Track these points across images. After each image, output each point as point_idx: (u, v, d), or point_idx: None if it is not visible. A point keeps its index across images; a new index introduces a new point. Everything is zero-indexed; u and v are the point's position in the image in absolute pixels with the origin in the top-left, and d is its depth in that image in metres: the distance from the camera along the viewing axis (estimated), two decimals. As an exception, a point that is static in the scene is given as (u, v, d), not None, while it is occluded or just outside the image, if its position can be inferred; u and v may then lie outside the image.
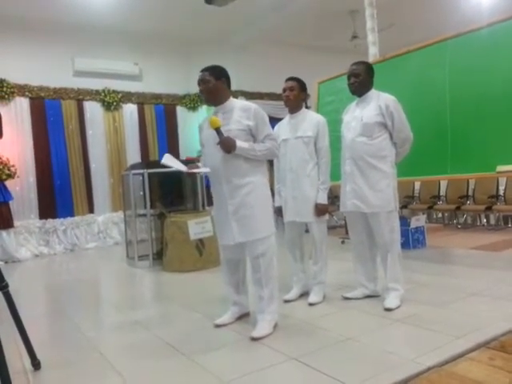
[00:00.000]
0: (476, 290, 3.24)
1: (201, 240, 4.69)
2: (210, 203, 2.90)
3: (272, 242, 2.69)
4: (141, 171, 5.28)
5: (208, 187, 3.56)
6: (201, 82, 2.67)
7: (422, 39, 4.75)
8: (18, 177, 6.43)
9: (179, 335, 2.76)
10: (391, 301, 2.96)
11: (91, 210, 7.42)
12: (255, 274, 2.68)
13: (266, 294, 2.65)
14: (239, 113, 2.66)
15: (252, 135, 2.65)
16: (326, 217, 3.28)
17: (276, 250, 2.72)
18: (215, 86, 2.66)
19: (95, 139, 7.49)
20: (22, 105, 6.86)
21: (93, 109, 7.47)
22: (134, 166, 5.69)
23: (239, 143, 2.55)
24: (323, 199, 3.17)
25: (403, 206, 7.01)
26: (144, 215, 5.37)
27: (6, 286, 2.19)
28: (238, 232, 2.64)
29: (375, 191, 3.00)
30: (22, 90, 6.84)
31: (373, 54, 6.06)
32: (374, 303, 3.08)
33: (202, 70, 2.70)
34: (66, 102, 7.21)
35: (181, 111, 8.31)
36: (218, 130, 2.55)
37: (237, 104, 2.73)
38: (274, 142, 2.70)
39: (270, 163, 3.18)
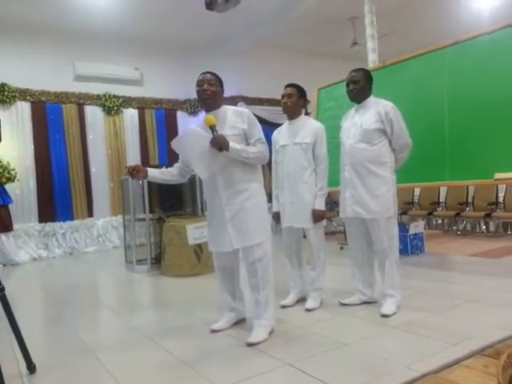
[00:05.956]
0: (473, 297, 3.23)
1: (199, 245, 4.68)
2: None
3: (268, 246, 2.69)
4: (140, 176, 5.28)
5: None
6: (206, 82, 2.66)
7: (421, 46, 4.78)
8: (18, 180, 6.46)
9: (175, 340, 2.76)
10: (388, 307, 2.96)
11: (91, 214, 7.44)
12: (252, 278, 2.68)
13: (262, 299, 2.65)
14: (233, 118, 2.68)
15: (246, 139, 2.67)
16: (324, 223, 3.28)
17: (273, 255, 2.72)
18: (218, 90, 2.70)
19: (96, 143, 7.53)
20: (23, 109, 6.90)
21: (93, 113, 7.51)
22: (133, 171, 5.69)
23: (232, 144, 2.56)
24: (321, 205, 3.18)
25: (403, 212, 6.99)
26: (143, 219, 5.38)
27: (2, 289, 2.20)
28: (235, 238, 2.64)
29: (375, 197, 3.00)
30: (24, 94, 6.88)
31: (372, 60, 6.09)
32: (370, 309, 3.08)
33: (206, 73, 2.72)
34: (66, 107, 7.25)
35: (181, 116, 8.35)
36: (212, 128, 2.54)
37: (229, 110, 2.74)
38: (265, 146, 2.71)
39: (269, 168, 3.18)
